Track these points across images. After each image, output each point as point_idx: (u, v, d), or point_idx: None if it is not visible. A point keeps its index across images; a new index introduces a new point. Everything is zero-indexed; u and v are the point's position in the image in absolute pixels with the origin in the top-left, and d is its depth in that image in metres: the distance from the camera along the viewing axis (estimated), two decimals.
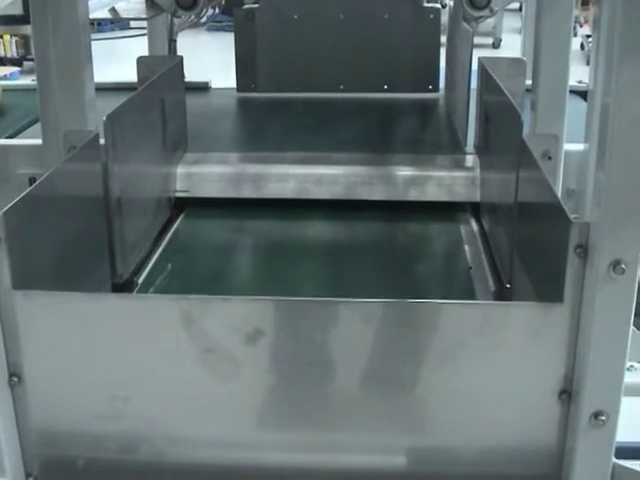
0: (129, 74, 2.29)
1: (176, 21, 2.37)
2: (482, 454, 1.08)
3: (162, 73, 1.62)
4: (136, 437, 1.09)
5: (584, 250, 0.96)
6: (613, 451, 1.02)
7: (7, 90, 2.75)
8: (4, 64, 7.22)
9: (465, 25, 1.92)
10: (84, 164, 1.28)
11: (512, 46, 7.75)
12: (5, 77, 6.21)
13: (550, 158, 1.48)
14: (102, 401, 1.07)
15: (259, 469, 1.10)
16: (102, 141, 1.30)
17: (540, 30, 1.53)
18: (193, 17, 2.21)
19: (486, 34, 8.07)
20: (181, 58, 1.82)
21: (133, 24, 9.51)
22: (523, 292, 1.23)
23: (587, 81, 2.16)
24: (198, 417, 1.08)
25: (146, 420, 1.09)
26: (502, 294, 1.30)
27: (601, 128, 0.94)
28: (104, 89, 1.65)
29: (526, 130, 1.30)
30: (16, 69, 6.82)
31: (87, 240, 1.29)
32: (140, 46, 2.69)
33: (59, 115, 1.51)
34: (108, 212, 1.33)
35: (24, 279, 1.04)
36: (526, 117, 1.29)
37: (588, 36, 6.98)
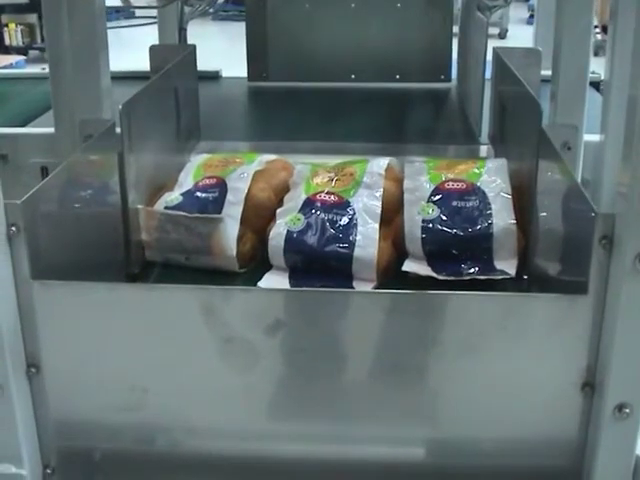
0: (137, 63, 2.30)
1: (186, 10, 2.36)
2: (503, 447, 1.07)
3: (176, 62, 1.61)
4: (154, 428, 1.09)
5: (609, 241, 0.95)
6: (637, 444, 1.02)
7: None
8: (9, 53, 7.20)
9: (479, 14, 1.91)
10: (101, 153, 1.27)
11: (518, 36, 7.74)
12: (11, 66, 6.19)
13: (570, 149, 1.47)
14: (120, 392, 1.06)
15: (279, 460, 1.09)
16: (117, 130, 1.29)
17: (560, 20, 1.52)
18: (204, 5, 2.20)
19: (492, 24, 8.05)
20: (194, 47, 1.80)
21: (138, 13, 9.51)
22: (541, 283, 1.23)
23: (598, 71, 2.15)
24: (217, 408, 1.08)
25: (165, 411, 1.08)
26: (520, 285, 1.29)
27: (628, 119, 0.93)
28: (113, 77, 1.64)
29: (544, 120, 1.28)
30: (21, 58, 6.80)
31: (103, 229, 1.28)
32: (145, 35, 2.67)
33: (74, 104, 1.51)
34: (124, 201, 1.32)
35: (42, 269, 1.03)
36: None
37: (595, 26, 6.96)
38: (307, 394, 1.07)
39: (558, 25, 1.53)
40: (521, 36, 7.34)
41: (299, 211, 1.34)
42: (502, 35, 8.48)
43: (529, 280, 1.29)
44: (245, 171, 1.42)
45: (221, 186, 1.39)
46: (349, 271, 1.29)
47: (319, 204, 1.34)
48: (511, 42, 7.54)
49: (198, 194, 1.40)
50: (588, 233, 0.96)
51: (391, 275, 1.31)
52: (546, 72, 1.68)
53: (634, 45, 0.93)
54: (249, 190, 1.38)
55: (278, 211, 1.38)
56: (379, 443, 1.09)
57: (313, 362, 1.05)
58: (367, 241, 1.29)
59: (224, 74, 2.65)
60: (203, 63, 1.95)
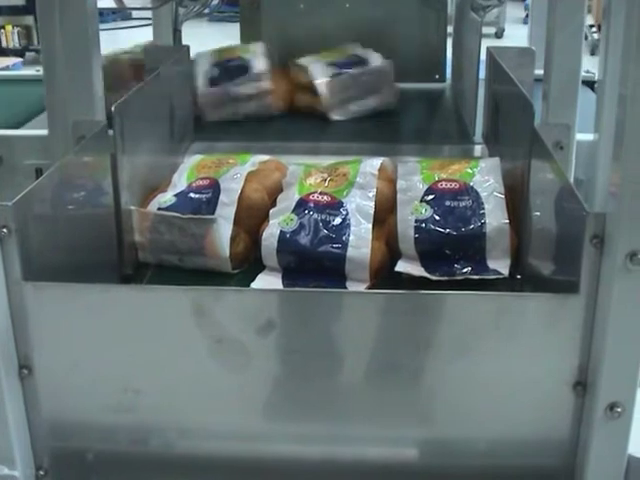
0: None
1: (181, 11, 2.37)
2: (495, 446, 1.07)
3: (170, 63, 1.61)
4: (147, 429, 1.09)
5: (600, 241, 0.95)
6: (628, 443, 1.02)
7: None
8: (6, 55, 7.19)
9: (473, 14, 1.91)
10: (93, 154, 1.27)
11: (515, 35, 7.74)
12: (7, 68, 6.18)
13: (562, 148, 1.47)
14: (113, 393, 1.06)
15: (272, 461, 1.09)
16: (110, 131, 1.29)
17: (552, 19, 1.52)
18: (199, 7, 2.20)
19: (489, 24, 8.06)
20: (188, 48, 1.81)
21: (135, 14, 9.50)
22: (534, 282, 1.23)
23: (594, 71, 2.16)
24: (210, 409, 1.08)
25: (157, 412, 1.08)
26: (513, 284, 1.29)
27: (618, 119, 0.93)
28: None
29: (537, 120, 1.29)
30: (18, 60, 6.80)
31: (96, 231, 1.28)
32: (142, 36, 2.68)
33: (67, 105, 1.51)
34: (117, 202, 1.32)
35: (34, 270, 1.03)
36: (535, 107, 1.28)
37: (591, 26, 6.96)
38: (300, 395, 1.07)
39: (550, 25, 1.53)
40: (517, 35, 7.34)
41: (292, 211, 1.34)
42: (499, 35, 8.49)
43: (522, 280, 1.29)
44: (238, 172, 1.42)
45: (214, 187, 1.40)
46: (342, 271, 1.29)
47: (312, 204, 1.35)
48: (507, 42, 7.55)
49: (191, 195, 1.40)
50: (580, 232, 0.96)
51: (384, 275, 1.31)
52: (541, 71, 1.68)
53: (624, 45, 0.93)
54: (242, 191, 1.39)
55: (271, 211, 1.38)
56: (373, 443, 1.09)
57: (306, 362, 1.05)
58: (360, 241, 1.29)
59: None
60: None
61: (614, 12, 1.48)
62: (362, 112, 2.06)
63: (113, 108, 1.26)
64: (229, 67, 2.09)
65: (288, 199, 1.38)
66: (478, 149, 1.81)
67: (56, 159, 1.21)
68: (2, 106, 2.40)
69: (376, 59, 2.13)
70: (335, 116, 2.04)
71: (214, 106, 2.06)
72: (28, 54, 7.36)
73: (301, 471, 1.09)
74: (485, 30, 1.87)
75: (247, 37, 2.39)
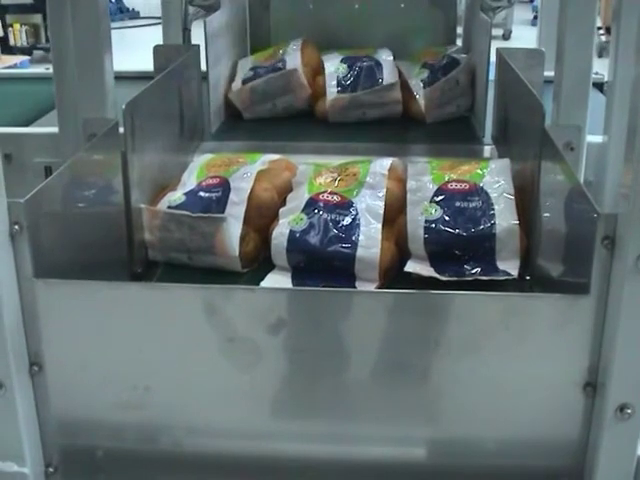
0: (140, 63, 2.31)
1: (191, 10, 2.36)
2: (505, 446, 1.07)
3: (180, 62, 1.61)
4: (156, 427, 1.09)
5: (611, 242, 0.95)
6: (638, 444, 1.02)
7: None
8: (14, 53, 7.21)
9: (483, 16, 1.91)
10: (104, 152, 1.28)
11: (522, 37, 7.75)
12: (15, 66, 6.20)
13: (572, 149, 1.47)
14: (122, 391, 1.07)
15: (280, 459, 1.09)
16: (121, 129, 1.30)
17: (563, 20, 1.52)
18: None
19: (496, 25, 8.07)
20: (198, 47, 1.81)
21: (142, 14, 9.52)
22: (544, 283, 1.23)
23: (602, 72, 2.16)
24: (219, 407, 1.08)
25: (166, 410, 1.08)
26: (522, 285, 1.29)
27: (630, 121, 0.93)
28: (117, 77, 1.64)
29: (547, 121, 1.29)
30: (26, 58, 6.82)
31: (106, 228, 1.29)
32: (150, 36, 2.68)
33: (78, 103, 1.51)
34: (127, 200, 1.32)
35: (45, 267, 1.03)
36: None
37: (599, 28, 6.97)
38: (310, 393, 1.07)
39: (561, 26, 1.53)
40: (525, 37, 7.35)
41: (302, 211, 1.34)
42: (506, 36, 8.50)
43: (531, 281, 1.29)
44: (248, 171, 1.42)
45: (224, 186, 1.40)
46: (352, 271, 1.29)
47: (322, 204, 1.35)
48: (515, 43, 7.55)
49: (201, 194, 1.40)
50: (590, 233, 0.96)
51: (394, 275, 1.32)
52: (550, 73, 1.68)
53: (636, 47, 0.93)
54: (252, 190, 1.39)
55: (281, 211, 1.38)
56: (381, 442, 1.09)
57: (316, 361, 1.05)
58: (370, 241, 1.29)
59: None
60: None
61: (624, 14, 1.47)
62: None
63: (123, 106, 1.27)
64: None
65: (298, 198, 1.38)
66: (487, 150, 1.81)
67: (66, 157, 1.21)
68: (11, 104, 2.41)
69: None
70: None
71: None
72: (36, 52, 7.39)
73: (309, 469, 1.09)
74: (492, 32, 1.87)
75: (256, 37, 2.39)
